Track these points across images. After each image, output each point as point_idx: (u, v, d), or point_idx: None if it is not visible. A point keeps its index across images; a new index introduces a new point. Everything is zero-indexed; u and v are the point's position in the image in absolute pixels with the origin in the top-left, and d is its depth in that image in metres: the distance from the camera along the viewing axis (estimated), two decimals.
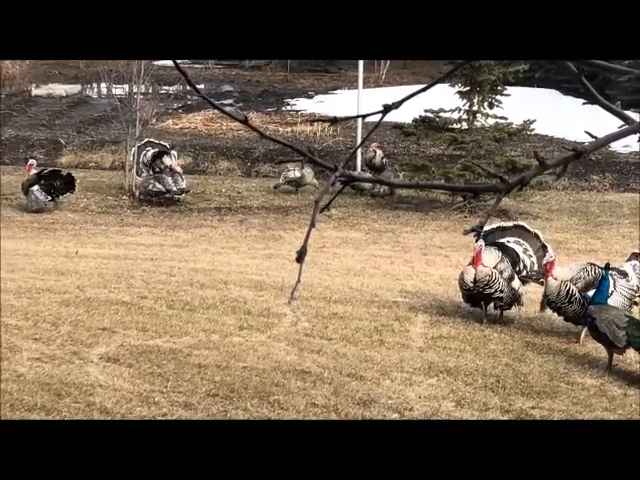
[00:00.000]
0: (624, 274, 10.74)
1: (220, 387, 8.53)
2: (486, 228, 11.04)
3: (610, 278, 10.29)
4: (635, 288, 10.75)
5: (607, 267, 10.31)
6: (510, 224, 12.12)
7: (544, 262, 10.90)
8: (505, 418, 8.15)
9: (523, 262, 11.50)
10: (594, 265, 10.94)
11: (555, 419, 8.15)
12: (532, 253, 11.61)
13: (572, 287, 10.54)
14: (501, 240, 11.60)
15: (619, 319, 9.61)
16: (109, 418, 7.68)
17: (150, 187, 20.02)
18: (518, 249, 11.54)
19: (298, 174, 20.60)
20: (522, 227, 11.88)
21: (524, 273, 11.47)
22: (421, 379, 9.06)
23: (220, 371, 8.95)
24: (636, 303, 10.90)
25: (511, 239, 11.64)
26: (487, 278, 10.91)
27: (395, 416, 8.08)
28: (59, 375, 8.67)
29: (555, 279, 10.62)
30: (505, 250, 11.42)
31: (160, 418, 7.74)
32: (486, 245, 11.24)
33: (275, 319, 10.79)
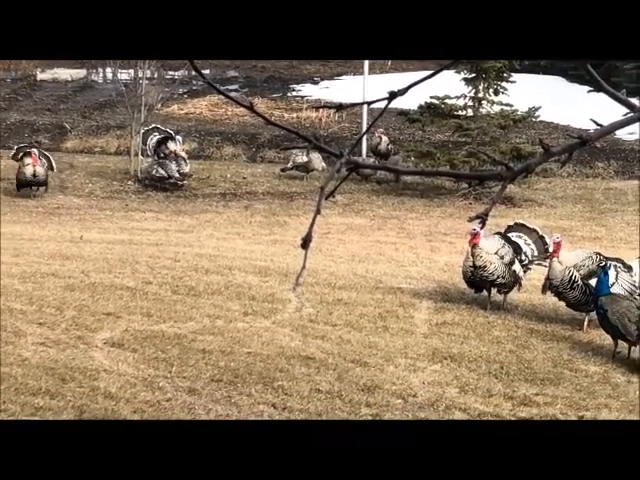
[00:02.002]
0: (629, 268, 10.71)
1: (224, 372, 8.54)
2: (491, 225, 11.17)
3: (613, 269, 10.27)
4: (637, 285, 10.69)
5: (604, 268, 10.29)
6: (511, 223, 12.23)
7: (551, 241, 10.96)
8: (508, 404, 8.17)
9: (525, 253, 11.62)
10: (600, 255, 10.97)
11: (558, 407, 8.16)
12: (530, 242, 11.76)
13: (575, 273, 10.60)
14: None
15: (631, 312, 9.59)
16: (113, 403, 7.71)
17: (154, 172, 20.04)
18: (519, 242, 11.67)
19: (306, 159, 20.64)
20: (522, 225, 12.06)
21: (526, 262, 11.58)
22: (425, 365, 9.08)
23: (224, 356, 8.96)
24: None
25: (513, 234, 11.76)
26: (492, 267, 10.96)
27: (399, 402, 8.09)
28: (63, 360, 8.69)
29: (560, 263, 10.66)
30: (508, 239, 11.52)
31: (164, 404, 7.77)
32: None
33: (280, 305, 10.80)
